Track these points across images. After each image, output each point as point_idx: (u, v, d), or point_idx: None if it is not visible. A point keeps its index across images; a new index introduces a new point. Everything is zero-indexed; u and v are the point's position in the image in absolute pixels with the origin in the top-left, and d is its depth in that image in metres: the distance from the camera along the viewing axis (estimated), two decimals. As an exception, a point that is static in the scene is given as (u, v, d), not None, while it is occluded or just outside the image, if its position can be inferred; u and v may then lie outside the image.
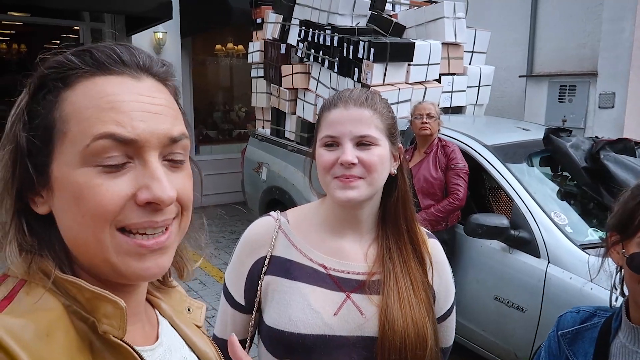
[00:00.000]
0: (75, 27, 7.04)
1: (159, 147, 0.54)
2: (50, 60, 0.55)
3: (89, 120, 0.51)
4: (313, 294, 1.01)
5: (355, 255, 1.06)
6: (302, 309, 0.99)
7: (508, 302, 2.89)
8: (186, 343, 0.69)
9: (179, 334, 0.69)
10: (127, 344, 0.54)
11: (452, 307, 1.15)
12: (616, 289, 1.09)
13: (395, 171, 1.06)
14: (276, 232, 1.07)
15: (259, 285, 1.05)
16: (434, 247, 1.12)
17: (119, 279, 0.56)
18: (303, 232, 1.08)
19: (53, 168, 0.53)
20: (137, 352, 0.54)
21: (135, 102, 0.53)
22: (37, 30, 7.71)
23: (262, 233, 1.08)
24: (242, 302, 1.08)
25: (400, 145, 1.07)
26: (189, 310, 0.75)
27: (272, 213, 1.12)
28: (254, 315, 1.07)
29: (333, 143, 1.00)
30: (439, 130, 3.41)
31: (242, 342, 1.10)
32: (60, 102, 0.53)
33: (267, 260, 1.05)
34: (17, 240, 0.53)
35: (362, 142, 0.98)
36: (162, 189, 0.53)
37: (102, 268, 0.55)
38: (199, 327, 0.75)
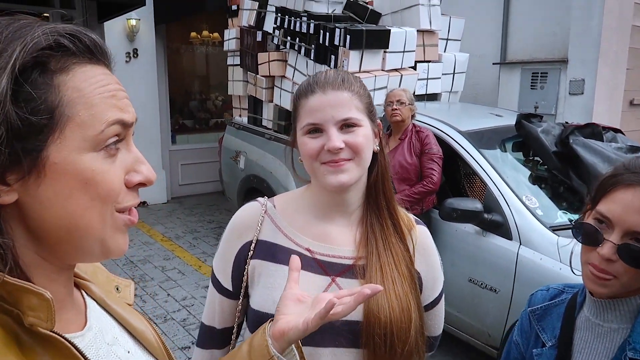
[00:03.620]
0: (45, 14, 6.85)
1: (132, 131, 0.59)
2: (39, 39, 0.50)
3: (98, 106, 0.53)
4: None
5: (343, 239, 1.06)
6: None
7: (482, 284, 2.98)
8: (119, 323, 0.68)
9: (111, 315, 0.68)
10: (58, 334, 0.51)
11: (440, 296, 1.14)
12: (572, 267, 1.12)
13: (378, 147, 1.05)
14: (262, 216, 1.07)
15: (246, 270, 1.05)
16: (422, 233, 1.11)
17: (100, 257, 0.56)
18: (289, 216, 1.08)
19: (49, 153, 0.50)
20: (69, 341, 0.52)
21: (119, 90, 0.57)
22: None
23: (249, 218, 1.08)
24: (230, 287, 1.08)
25: (379, 121, 1.07)
26: (117, 289, 0.73)
27: (259, 199, 1.12)
28: (240, 300, 1.07)
29: (316, 130, 0.98)
30: (413, 116, 3.46)
31: (230, 330, 1.10)
32: (59, 86, 0.51)
33: (253, 245, 1.05)
34: None
35: (346, 125, 0.98)
36: (150, 170, 0.58)
37: (88, 249, 0.55)
38: (129, 305, 0.73)
